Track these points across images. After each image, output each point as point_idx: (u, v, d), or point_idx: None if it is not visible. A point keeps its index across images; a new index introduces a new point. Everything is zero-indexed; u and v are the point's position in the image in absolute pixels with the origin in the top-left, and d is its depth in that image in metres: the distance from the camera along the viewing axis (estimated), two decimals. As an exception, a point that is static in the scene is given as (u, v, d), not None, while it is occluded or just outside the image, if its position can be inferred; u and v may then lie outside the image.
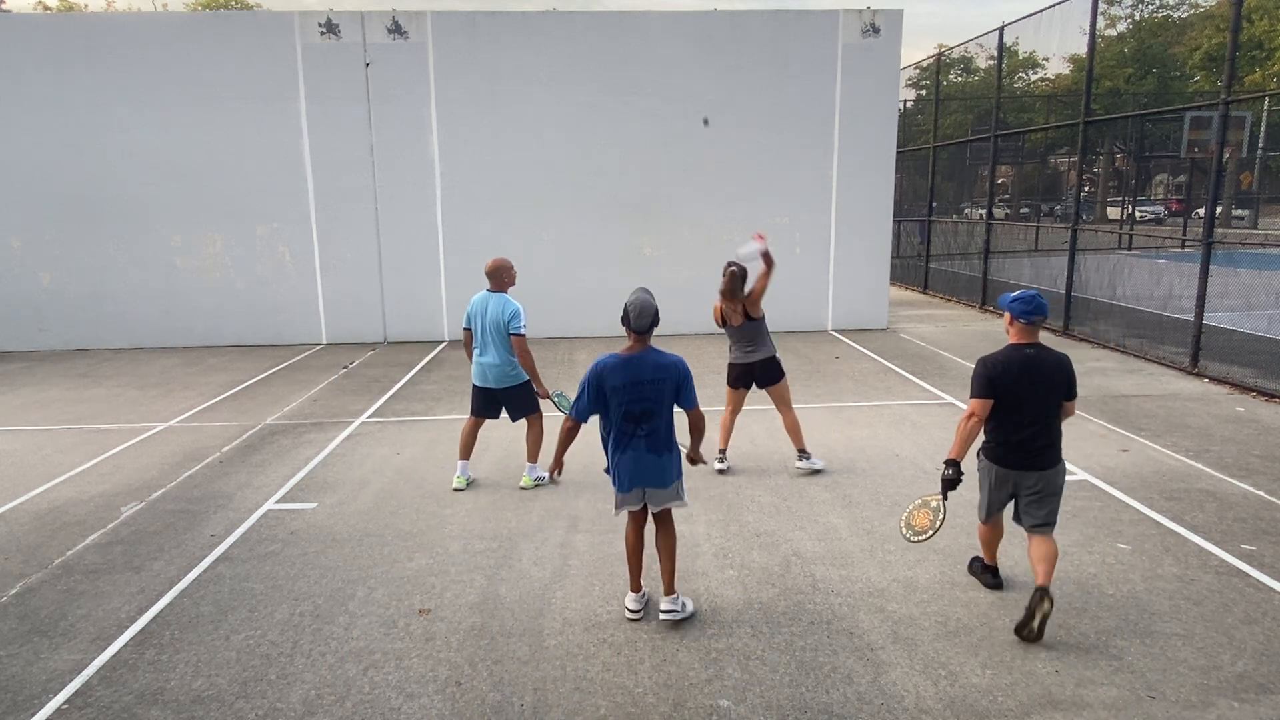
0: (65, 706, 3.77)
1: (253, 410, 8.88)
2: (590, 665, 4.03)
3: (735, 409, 6.82)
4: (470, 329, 6.27)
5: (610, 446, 4.39)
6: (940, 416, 8.29)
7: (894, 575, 4.89)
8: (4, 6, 29.54)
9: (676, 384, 4.29)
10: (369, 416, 8.57)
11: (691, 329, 13.16)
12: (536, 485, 6.40)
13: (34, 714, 3.72)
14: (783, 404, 6.68)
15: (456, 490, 6.37)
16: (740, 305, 6.45)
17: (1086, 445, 7.26)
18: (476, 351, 6.25)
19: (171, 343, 12.73)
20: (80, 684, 3.93)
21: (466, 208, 12.69)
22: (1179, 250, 22.72)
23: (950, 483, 4.37)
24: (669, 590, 4.49)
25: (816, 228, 13.14)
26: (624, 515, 4.59)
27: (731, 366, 6.74)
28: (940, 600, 4.59)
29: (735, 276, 6.31)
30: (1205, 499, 6.01)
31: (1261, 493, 6.12)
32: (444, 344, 12.68)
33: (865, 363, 10.91)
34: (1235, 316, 13.45)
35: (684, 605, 4.51)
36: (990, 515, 4.58)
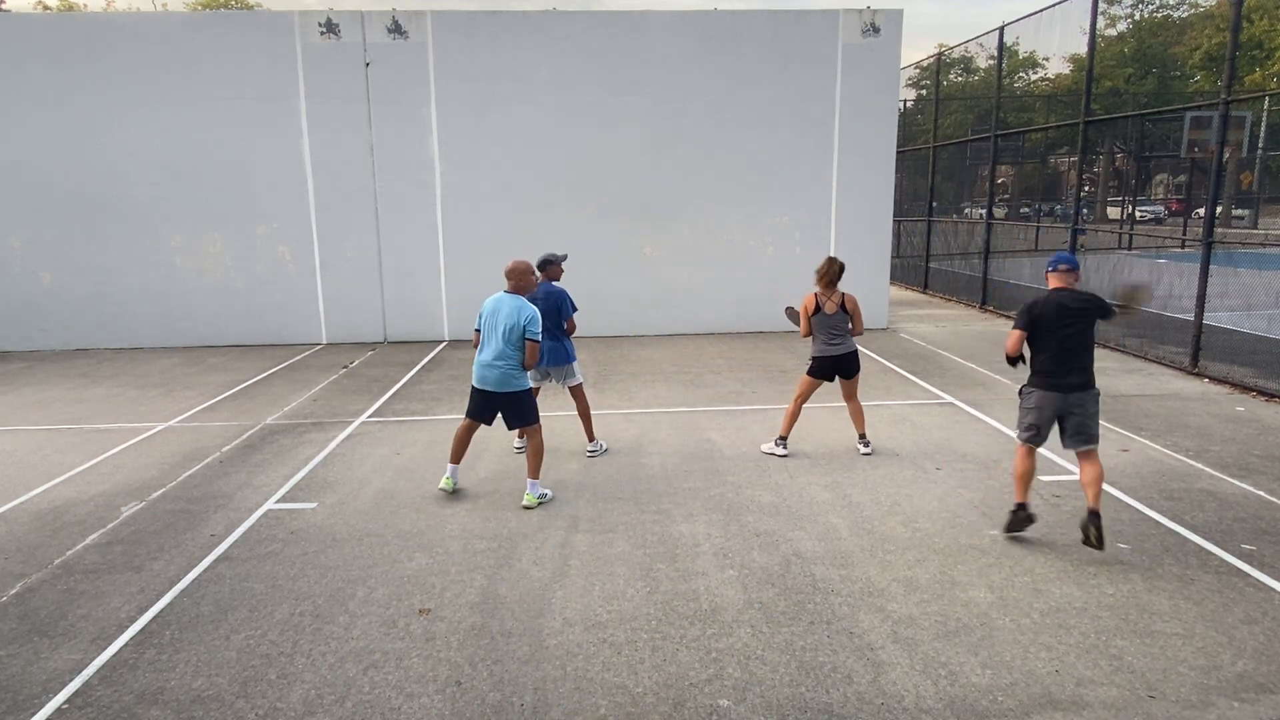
0: (65, 706, 3.77)
1: (253, 410, 8.88)
2: (590, 665, 4.03)
3: (806, 398, 7.13)
4: (480, 330, 6.11)
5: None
6: (940, 417, 8.29)
7: (894, 575, 4.89)
8: (4, 6, 29.54)
9: (558, 303, 6.84)
10: (369, 416, 8.57)
11: (692, 328, 13.19)
12: (540, 503, 6.10)
13: (34, 714, 3.72)
14: (854, 394, 7.20)
15: (443, 490, 6.27)
16: (840, 296, 6.93)
17: (1086, 445, 7.25)
18: (480, 352, 6.08)
19: (171, 343, 12.73)
20: (80, 684, 3.93)
21: (466, 208, 12.68)
22: (1179, 250, 22.72)
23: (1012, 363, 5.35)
24: (590, 439, 7.22)
25: (816, 228, 13.14)
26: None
27: (820, 359, 6.99)
28: (940, 600, 4.59)
29: (835, 262, 6.90)
30: (1205, 499, 6.01)
31: (1261, 493, 6.12)
32: (444, 344, 12.68)
33: (865, 363, 10.87)
34: (1235, 316, 13.45)
35: (601, 446, 7.25)
36: (1031, 439, 5.30)
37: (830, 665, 3.99)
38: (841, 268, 6.92)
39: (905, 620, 4.38)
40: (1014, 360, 5.32)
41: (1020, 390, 5.42)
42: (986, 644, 4.15)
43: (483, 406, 6.16)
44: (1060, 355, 5.14)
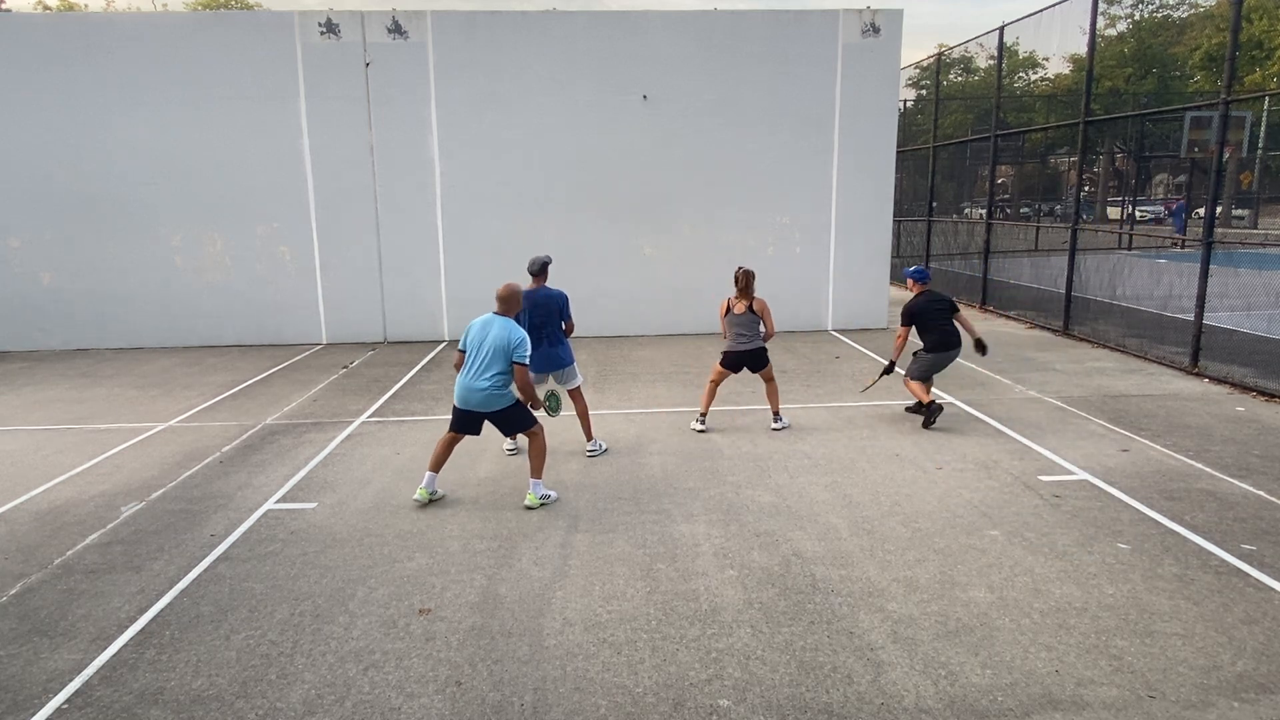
0: (65, 706, 3.77)
1: (253, 410, 8.88)
2: (590, 665, 4.03)
3: (718, 382, 7.91)
4: (465, 350, 5.89)
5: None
6: (940, 416, 8.28)
7: (894, 575, 4.89)
8: (4, 6, 29.54)
9: (559, 306, 6.83)
10: (369, 416, 8.57)
11: (691, 329, 13.19)
12: (543, 504, 6.02)
13: (34, 714, 3.72)
14: (769, 379, 7.90)
15: (417, 501, 6.04)
16: (748, 300, 7.59)
17: (1086, 445, 7.26)
18: (464, 373, 5.86)
19: (171, 343, 12.73)
20: (80, 684, 3.93)
21: (466, 208, 12.68)
22: (1179, 250, 22.74)
23: (886, 373, 8.21)
24: (589, 438, 7.17)
25: (816, 228, 13.14)
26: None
27: (727, 353, 7.75)
28: (940, 600, 4.59)
29: (747, 274, 7.59)
30: (1205, 499, 6.01)
31: (1261, 493, 6.12)
32: (444, 344, 12.69)
33: (865, 363, 10.91)
34: (1235, 316, 13.45)
35: (600, 446, 7.17)
36: (924, 379, 8.02)
37: (830, 665, 3.99)
38: (751, 277, 7.62)
39: (905, 620, 4.38)
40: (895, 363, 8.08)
41: (916, 354, 8.04)
42: (986, 644, 4.15)
43: (467, 422, 6.00)
44: (940, 333, 7.85)
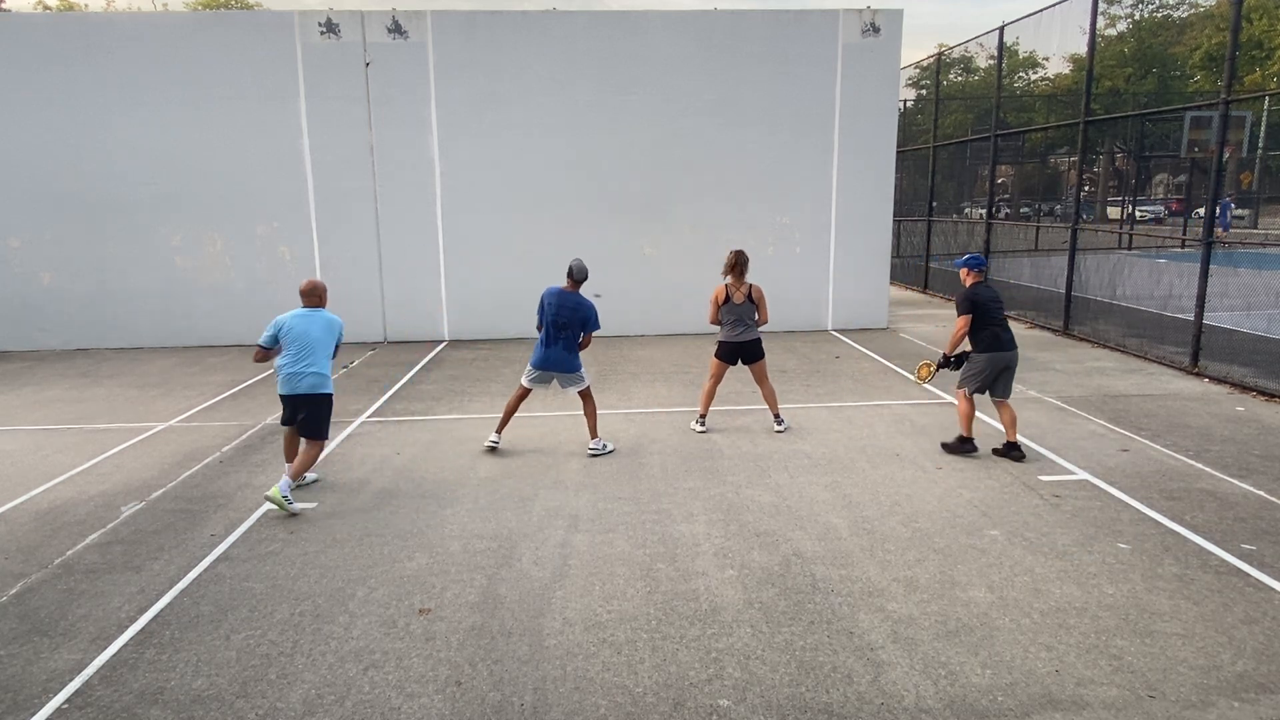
0: (65, 706, 3.77)
1: (253, 410, 8.88)
2: (590, 665, 4.03)
3: (719, 379, 7.82)
4: (269, 346, 6.02)
5: (541, 340, 7.08)
6: (940, 416, 8.29)
7: (894, 575, 4.89)
8: (4, 6, 29.54)
9: (586, 316, 6.98)
10: (369, 416, 8.57)
11: (691, 329, 13.18)
12: (285, 504, 5.81)
13: (34, 714, 3.72)
14: (763, 379, 7.77)
15: (268, 499, 5.83)
16: (746, 286, 7.49)
17: (1086, 445, 7.26)
18: (290, 362, 6.00)
19: (171, 343, 12.73)
20: (80, 684, 3.93)
21: (466, 208, 12.68)
22: (1179, 250, 22.74)
23: (943, 365, 7.16)
24: (593, 436, 7.18)
25: (816, 228, 13.14)
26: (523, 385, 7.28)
27: (723, 344, 7.67)
28: (940, 600, 4.59)
29: (743, 254, 7.51)
30: (1205, 499, 6.01)
31: (1261, 493, 6.12)
32: (444, 344, 12.69)
33: (865, 363, 10.91)
34: (1235, 316, 13.44)
35: (603, 445, 7.17)
36: (980, 391, 6.96)
37: (830, 665, 3.99)
38: (746, 260, 7.53)
39: (905, 620, 4.38)
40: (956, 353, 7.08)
41: (969, 356, 7.05)
42: (986, 644, 4.15)
43: (296, 410, 6.15)
44: (993, 331, 6.89)
